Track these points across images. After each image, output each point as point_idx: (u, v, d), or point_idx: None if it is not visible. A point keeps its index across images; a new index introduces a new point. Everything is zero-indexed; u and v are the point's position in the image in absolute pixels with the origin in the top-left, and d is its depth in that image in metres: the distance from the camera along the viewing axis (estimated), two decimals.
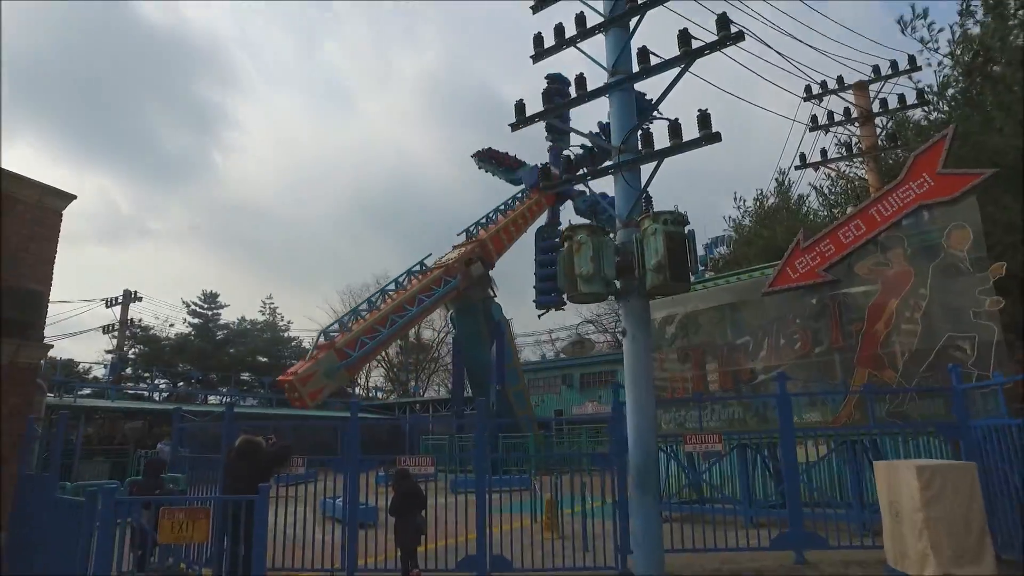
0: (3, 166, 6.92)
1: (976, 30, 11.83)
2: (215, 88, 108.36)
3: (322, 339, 20.13)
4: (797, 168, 13.90)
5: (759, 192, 23.70)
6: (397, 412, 38.04)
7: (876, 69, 13.08)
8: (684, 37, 6.80)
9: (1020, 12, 11.32)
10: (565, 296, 6.75)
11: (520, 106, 7.94)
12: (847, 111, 13.44)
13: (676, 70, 6.97)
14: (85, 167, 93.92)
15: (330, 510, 10.70)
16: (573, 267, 6.54)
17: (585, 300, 6.81)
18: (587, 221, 21.87)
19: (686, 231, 6.41)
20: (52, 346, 7.71)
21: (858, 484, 8.02)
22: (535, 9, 8.40)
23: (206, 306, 46.46)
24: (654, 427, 6.62)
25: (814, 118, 13.80)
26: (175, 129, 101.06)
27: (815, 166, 13.75)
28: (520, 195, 27.79)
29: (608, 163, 7.27)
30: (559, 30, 7.95)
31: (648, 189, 7.08)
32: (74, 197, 7.29)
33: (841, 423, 8.09)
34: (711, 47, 6.62)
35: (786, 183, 23.09)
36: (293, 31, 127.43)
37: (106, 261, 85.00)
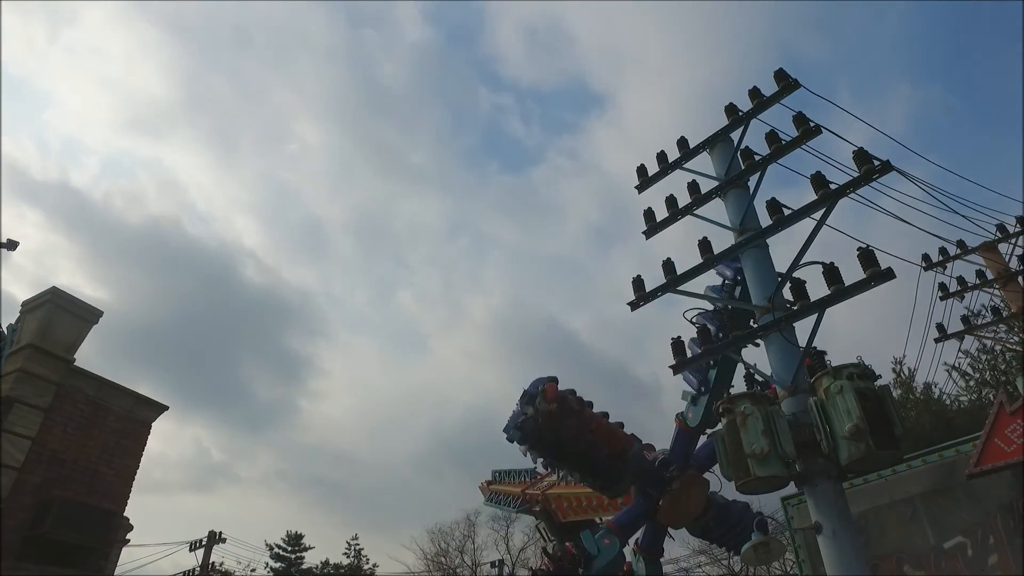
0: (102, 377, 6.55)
1: None
2: (303, 338, 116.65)
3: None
4: (937, 340, 12.39)
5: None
6: None
7: (1001, 228, 12.12)
8: (819, 179, 6.20)
9: None
10: (735, 485, 5.34)
11: (638, 281, 7.25)
12: (979, 274, 12.25)
13: (811, 217, 6.34)
14: (185, 418, 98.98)
15: None
16: (740, 446, 5.26)
17: (759, 489, 5.37)
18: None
19: (878, 387, 5.14)
20: None
21: None
22: (640, 189, 8.12)
23: (289, 548, 44.50)
24: None
25: (943, 286, 12.60)
26: (268, 379, 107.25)
27: (959, 336, 12.20)
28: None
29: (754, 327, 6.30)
30: (671, 201, 7.57)
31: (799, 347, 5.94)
32: (166, 408, 6.85)
33: None
34: (854, 184, 5.95)
35: (904, 372, 21.02)
36: (370, 285, 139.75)
37: (196, 509, 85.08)
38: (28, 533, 5.84)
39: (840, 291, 5.58)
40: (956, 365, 16.61)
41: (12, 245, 8.01)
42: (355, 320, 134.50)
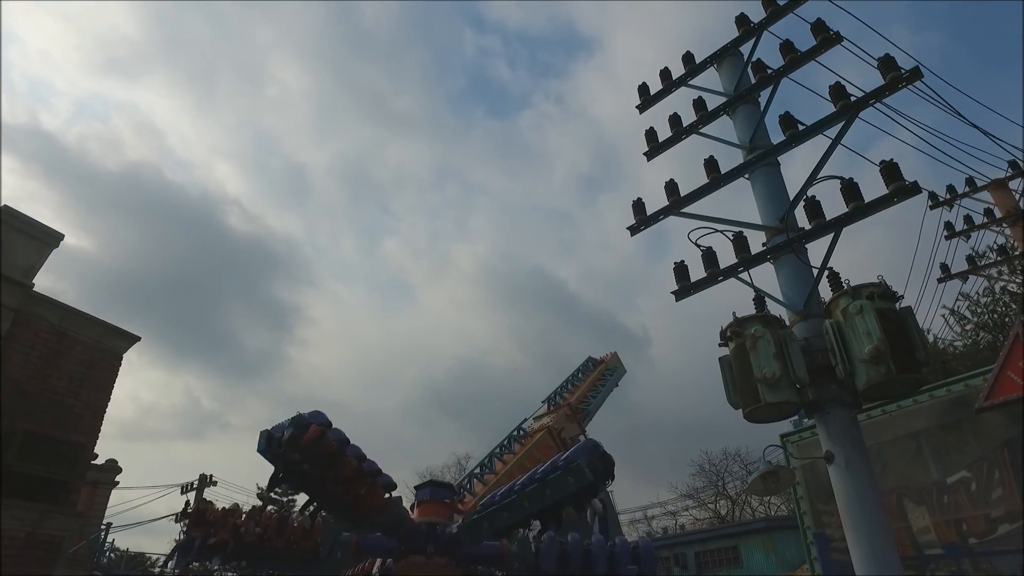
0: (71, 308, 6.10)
1: None
2: (290, 287, 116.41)
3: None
4: (940, 280, 12.09)
5: None
6: None
7: (1013, 164, 11.68)
8: (839, 90, 5.72)
9: None
10: (743, 413, 5.03)
11: (639, 205, 6.86)
12: (987, 212, 11.86)
13: (825, 135, 5.87)
14: (176, 368, 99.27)
15: None
16: (748, 371, 4.93)
17: (768, 416, 5.06)
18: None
19: (899, 308, 4.78)
20: (81, 514, 6.37)
21: None
22: (642, 108, 7.64)
23: (280, 490, 44.94)
24: None
25: (948, 225, 12.22)
26: (256, 328, 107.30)
27: (964, 275, 11.90)
28: (584, 367, 27.49)
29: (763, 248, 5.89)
30: (675, 119, 7.10)
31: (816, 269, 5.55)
32: (137, 339, 6.43)
33: None
34: (878, 93, 5.47)
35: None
36: (356, 233, 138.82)
37: (188, 456, 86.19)
38: None
39: (860, 208, 5.17)
40: (955, 309, 16.38)
41: None
42: (341, 269, 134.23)
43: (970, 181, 12.15)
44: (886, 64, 5.42)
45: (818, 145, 5.85)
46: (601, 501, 22.55)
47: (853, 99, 5.60)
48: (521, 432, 22.65)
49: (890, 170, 5.08)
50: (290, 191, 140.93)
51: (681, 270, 6.27)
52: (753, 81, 6.57)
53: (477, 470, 21.16)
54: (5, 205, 6.43)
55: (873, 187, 5.20)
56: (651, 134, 7.22)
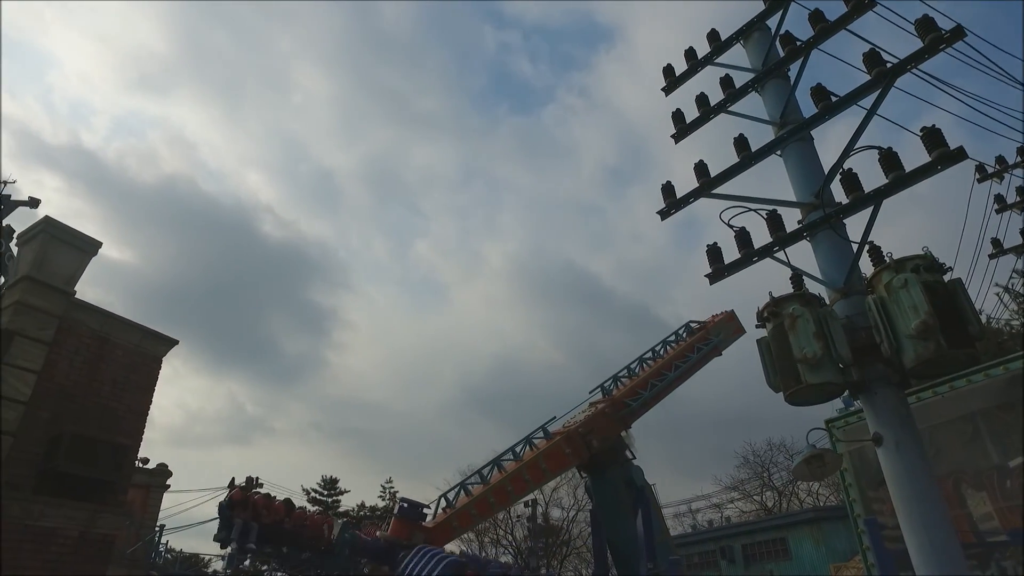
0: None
1: None
2: (326, 291, 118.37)
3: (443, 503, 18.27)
4: (992, 256, 11.56)
5: None
6: None
7: None
8: (874, 57, 5.47)
9: None
10: (784, 395, 4.85)
11: (668, 188, 6.69)
12: None
13: (859, 106, 5.62)
14: (219, 374, 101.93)
15: None
16: (789, 352, 4.75)
17: (810, 398, 4.87)
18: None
19: (948, 280, 4.55)
20: (130, 514, 6.54)
21: None
22: (667, 90, 7.47)
23: (325, 492, 45.76)
24: None
25: (999, 198, 11.67)
26: (295, 333, 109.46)
27: (1018, 250, 11.34)
28: (677, 336, 23.47)
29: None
30: (702, 99, 6.91)
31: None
32: (176, 342, 6.59)
33: None
34: (916, 58, 5.20)
35: None
36: (387, 235, 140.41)
37: (235, 460, 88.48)
38: (42, 467, 5.71)
39: (900, 178, 4.93)
40: (1009, 286, 15.61)
41: (35, 203, 7.87)
42: (375, 271, 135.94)
43: (1022, 150, 11.59)
44: (924, 26, 5.15)
45: (853, 122, 5.61)
46: (644, 492, 22.03)
47: (889, 65, 5.36)
48: (545, 435, 20.54)
49: (932, 136, 4.82)
50: (320, 196, 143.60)
51: (714, 252, 6.09)
52: (782, 55, 6.35)
53: (475, 479, 18.49)
54: (46, 215, 6.71)
55: (914, 162, 4.95)
56: (678, 115, 7.04)
